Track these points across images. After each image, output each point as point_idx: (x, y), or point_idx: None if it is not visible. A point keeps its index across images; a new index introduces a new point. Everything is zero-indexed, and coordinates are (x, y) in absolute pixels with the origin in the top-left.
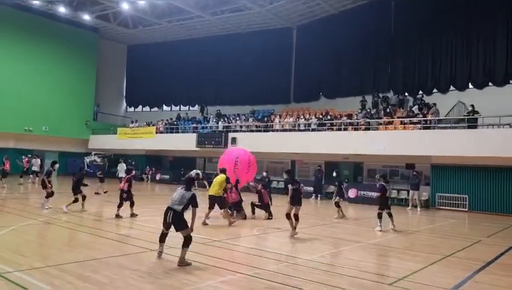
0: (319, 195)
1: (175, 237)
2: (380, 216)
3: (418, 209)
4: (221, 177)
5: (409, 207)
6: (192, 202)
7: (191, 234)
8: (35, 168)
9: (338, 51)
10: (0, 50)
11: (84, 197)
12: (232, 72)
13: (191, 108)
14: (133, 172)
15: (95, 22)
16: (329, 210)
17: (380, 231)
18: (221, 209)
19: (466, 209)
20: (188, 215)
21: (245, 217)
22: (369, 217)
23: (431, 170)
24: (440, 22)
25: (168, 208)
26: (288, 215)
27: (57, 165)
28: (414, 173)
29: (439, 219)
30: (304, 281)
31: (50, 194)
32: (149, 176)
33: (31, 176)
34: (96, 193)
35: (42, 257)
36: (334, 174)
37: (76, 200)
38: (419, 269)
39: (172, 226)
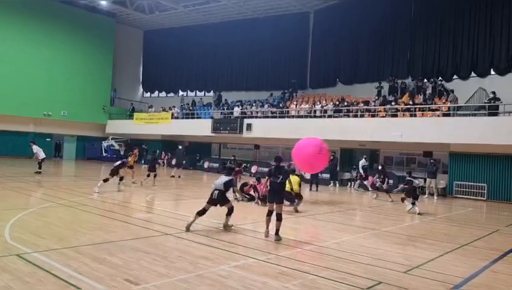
0: (336, 182)
1: (185, 222)
2: (403, 200)
3: (435, 197)
4: (296, 178)
5: (426, 195)
6: (230, 184)
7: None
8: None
9: (356, 35)
10: (18, 36)
11: (121, 178)
12: (248, 57)
13: (206, 94)
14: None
15: (111, 7)
16: (344, 197)
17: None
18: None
19: (484, 198)
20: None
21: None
22: (384, 205)
23: (449, 157)
24: (461, 6)
25: (214, 189)
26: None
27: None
28: (431, 160)
29: (456, 207)
30: (316, 267)
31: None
32: (165, 161)
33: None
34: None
35: (59, 239)
36: (380, 167)
37: (148, 175)
38: (435, 258)
39: (216, 202)
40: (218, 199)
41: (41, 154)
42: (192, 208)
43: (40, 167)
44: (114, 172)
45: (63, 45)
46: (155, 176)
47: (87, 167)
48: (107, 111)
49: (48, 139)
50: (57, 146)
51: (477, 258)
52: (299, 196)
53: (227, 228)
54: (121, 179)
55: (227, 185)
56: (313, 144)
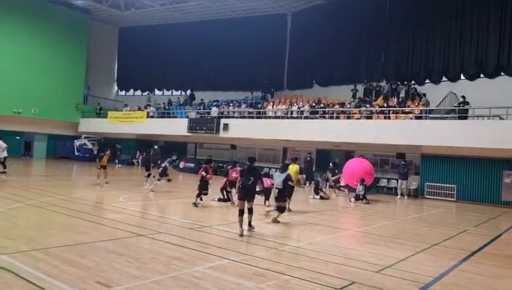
0: (312, 182)
1: (164, 224)
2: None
3: (405, 198)
4: (295, 167)
5: (398, 196)
6: (287, 179)
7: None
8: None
9: (332, 38)
10: None
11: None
12: (225, 57)
13: (183, 93)
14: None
15: (86, 3)
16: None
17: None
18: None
19: (454, 199)
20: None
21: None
22: (358, 206)
23: (421, 159)
24: (434, 12)
25: (275, 188)
26: None
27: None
28: (403, 162)
29: (427, 208)
30: (290, 267)
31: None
32: (139, 161)
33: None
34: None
35: (28, 240)
36: (331, 164)
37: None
38: (406, 257)
39: (277, 199)
40: (278, 195)
41: (3, 153)
42: (166, 208)
43: (4, 167)
44: (163, 173)
45: (35, 40)
46: (151, 175)
47: (58, 166)
48: (80, 109)
49: (17, 138)
50: (26, 144)
51: (446, 257)
52: (287, 194)
53: (276, 221)
54: (159, 179)
55: (285, 181)
56: (366, 161)
